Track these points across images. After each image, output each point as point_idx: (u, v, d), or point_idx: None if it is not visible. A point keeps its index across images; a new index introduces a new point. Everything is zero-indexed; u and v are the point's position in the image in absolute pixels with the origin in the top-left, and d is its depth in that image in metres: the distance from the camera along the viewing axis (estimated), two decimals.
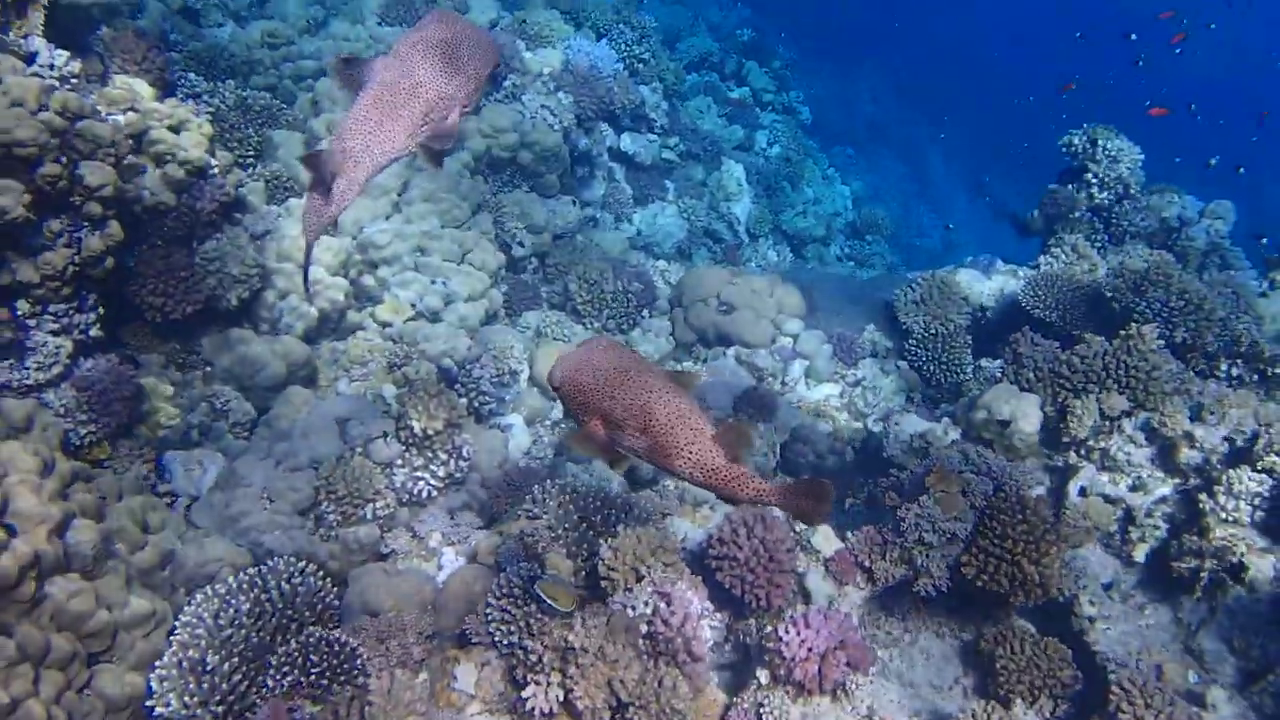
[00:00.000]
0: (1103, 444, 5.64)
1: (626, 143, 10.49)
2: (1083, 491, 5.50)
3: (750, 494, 2.93)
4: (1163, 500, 5.33)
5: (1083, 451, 5.71)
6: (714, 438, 2.93)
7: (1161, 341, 6.00)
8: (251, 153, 7.34)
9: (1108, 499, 5.45)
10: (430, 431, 5.83)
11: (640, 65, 10.95)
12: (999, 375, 6.45)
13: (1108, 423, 5.70)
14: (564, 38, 9.82)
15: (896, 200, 20.09)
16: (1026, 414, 5.95)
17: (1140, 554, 5.28)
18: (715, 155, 11.67)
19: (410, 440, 5.84)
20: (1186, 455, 5.36)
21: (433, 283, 7.45)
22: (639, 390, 3.01)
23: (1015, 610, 4.74)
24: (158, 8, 8.47)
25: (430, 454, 5.84)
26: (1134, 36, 14.18)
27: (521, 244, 8.42)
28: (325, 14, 9.68)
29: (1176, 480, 5.39)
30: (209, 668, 4.08)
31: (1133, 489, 5.44)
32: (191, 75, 7.04)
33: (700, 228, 10.88)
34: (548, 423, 7.38)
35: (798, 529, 4.83)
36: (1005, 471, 5.26)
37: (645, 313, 8.57)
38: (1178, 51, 13.86)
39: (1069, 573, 5.06)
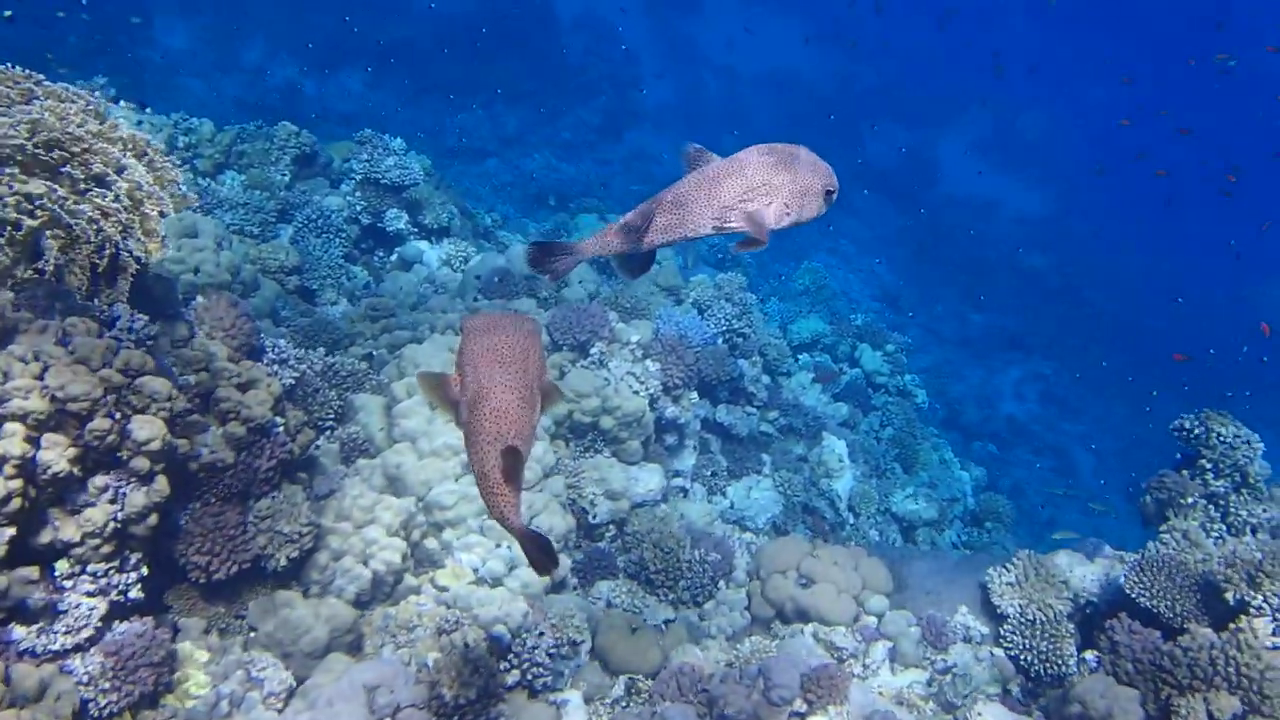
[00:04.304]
0: None
1: (722, 414, 10.40)
2: None
3: (499, 515, 3.24)
4: None
5: None
6: (503, 452, 3.17)
7: (1278, 639, 5.21)
8: (331, 415, 7.53)
9: None
10: (462, 701, 5.42)
11: (739, 339, 11.05)
12: (1096, 666, 5.68)
13: None
14: (659, 311, 10.05)
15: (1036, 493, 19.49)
16: (1125, 710, 5.16)
17: None
18: (817, 431, 11.44)
19: (440, 710, 5.43)
20: None
21: (497, 546, 7.24)
22: (493, 374, 3.31)
23: None
24: (273, 288, 9.16)
25: None
26: None
27: (599, 510, 8.21)
28: (432, 290, 10.28)
29: None
30: None
31: None
32: (281, 342, 7.40)
33: (798, 503, 10.47)
34: (608, 701, 6.82)
35: None
36: None
37: (722, 584, 8.08)
38: None
39: None
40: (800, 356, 13.58)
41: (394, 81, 25.52)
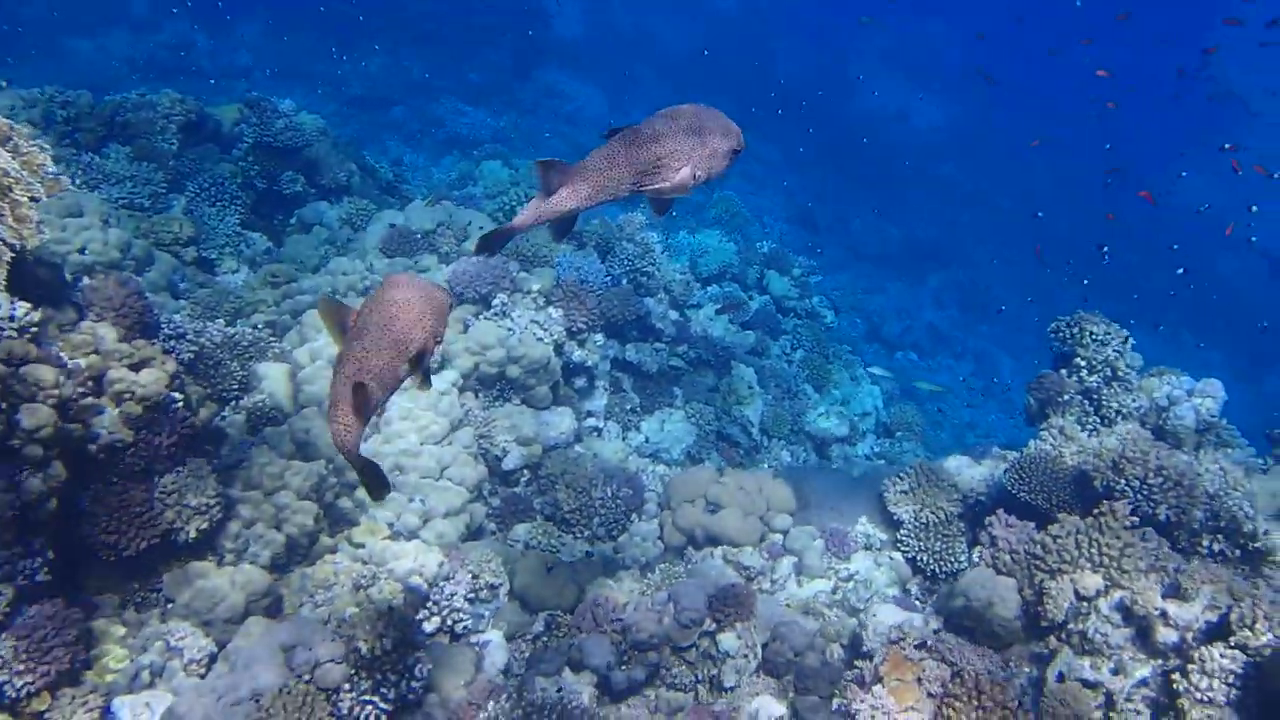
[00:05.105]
0: (1080, 626, 5.17)
1: (631, 353, 10.62)
2: (1061, 677, 5.02)
3: (339, 440, 3.71)
4: (1143, 683, 4.81)
5: (1063, 636, 5.25)
6: (353, 386, 3.64)
7: (1137, 519, 5.63)
8: (236, 386, 7.60)
9: (1087, 684, 4.94)
10: (379, 651, 5.66)
11: (644, 278, 11.22)
12: (977, 560, 6.08)
13: (1085, 604, 5.24)
14: (559, 258, 10.18)
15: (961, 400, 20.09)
16: (1004, 598, 5.57)
17: None
18: (726, 361, 11.72)
19: (359, 663, 5.66)
20: (1163, 635, 4.87)
21: (410, 501, 7.44)
22: (379, 321, 3.77)
23: None
24: (168, 261, 9.09)
25: (379, 676, 5.65)
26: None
27: (511, 456, 8.42)
28: (334, 253, 10.28)
29: (1157, 661, 4.87)
30: None
31: (1114, 672, 4.93)
32: (176, 317, 7.42)
33: (711, 432, 10.79)
34: (529, 637, 7.11)
35: None
36: (964, 655, 4.84)
37: (635, 517, 8.39)
38: None
39: None
40: (709, 288, 13.80)
41: (292, 30, 24.82)
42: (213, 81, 21.21)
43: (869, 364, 15.07)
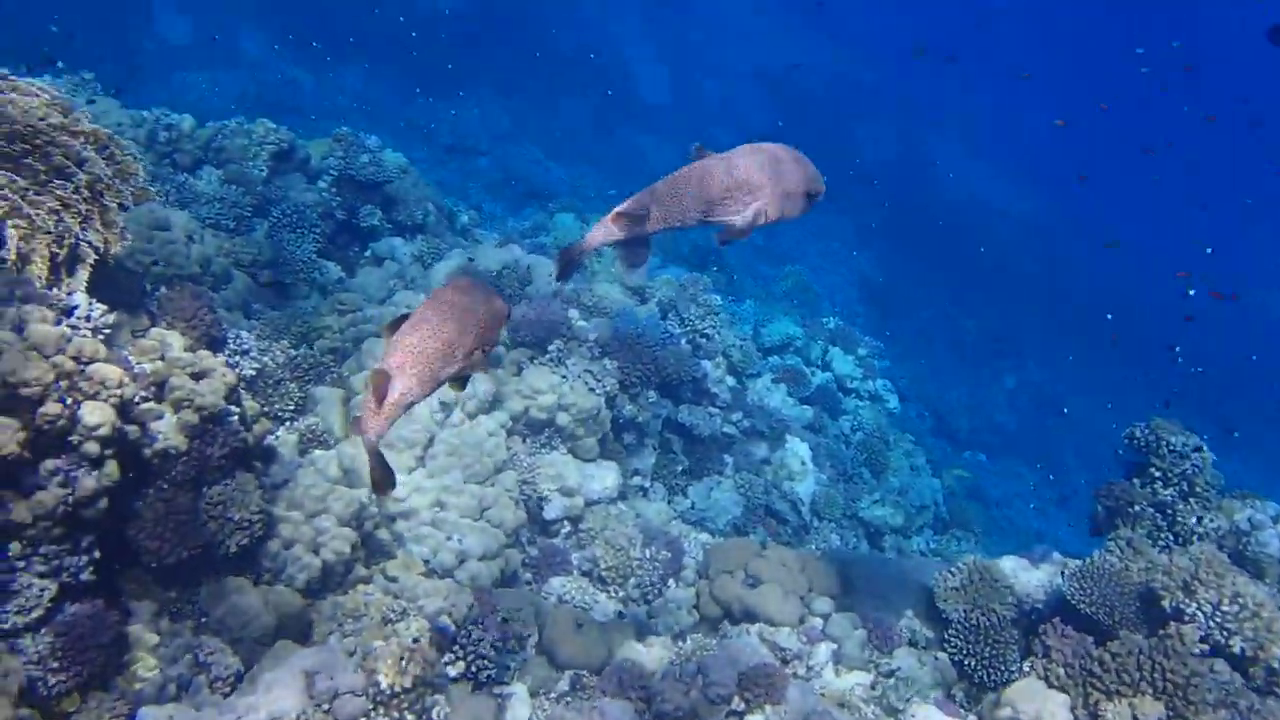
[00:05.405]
0: None
1: (684, 414, 10.57)
2: None
3: (360, 424, 3.80)
4: None
5: None
6: (378, 371, 3.75)
7: (1207, 647, 5.37)
8: (292, 407, 7.71)
9: None
10: (399, 689, 5.60)
11: (703, 340, 11.23)
12: (1028, 670, 5.86)
13: None
14: (619, 309, 10.23)
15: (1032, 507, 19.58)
16: (1054, 714, 5.34)
17: None
18: (780, 434, 11.60)
19: (377, 697, 5.61)
20: None
21: (448, 539, 7.43)
22: (432, 318, 3.89)
23: None
24: (244, 281, 9.33)
25: (395, 714, 5.59)
26: None
27: (552, 506, 8.39)
28: (401, 287, 10.46)
29: None
30: None
31: None
32: (244, 334, 7.58)
33: (759, 505, 10.63)
34: (553, 694, 7.00)
35: None
36: None
37: (672, 583, 8.26)
38: None
39: None
40: (770, 359, 13.75)
41: (392, 77, 25.70)
42: (313, 118, 22.00)
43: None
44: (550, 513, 8.37)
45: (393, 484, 3.89)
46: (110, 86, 10.88)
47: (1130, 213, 30.50)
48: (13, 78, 5.90)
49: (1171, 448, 8.12)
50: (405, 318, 4.03)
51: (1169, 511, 8.02)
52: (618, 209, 4.25)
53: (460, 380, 4.07)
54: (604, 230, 4.23)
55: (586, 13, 31.90)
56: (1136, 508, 8.07)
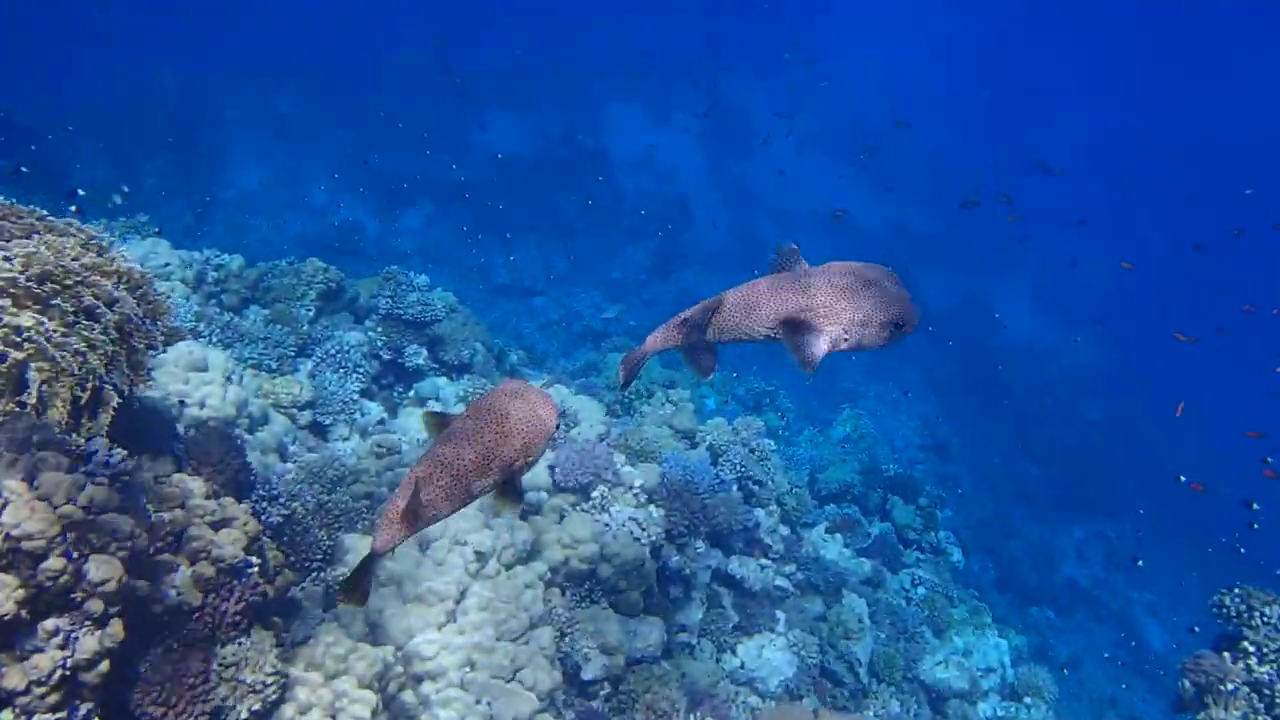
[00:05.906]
0: None
1: (735, 566, 10.03)
2: None
3: (376, 538, 3.62)
4: None
5: None
6: (403, 482, 3.62)
7: None
8: (320, 556, 7.37)
9: None
10: None
11: (755, 487, 10.75)
12: None
13: None
14: (667, 453, 9.84)
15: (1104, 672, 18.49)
16: None
17: None
18: (837, 589, 10.95)
19: None
20: None
21: (477, 703, 6.92)
22: (473, 428, 3.66)
23: None
24: (282, 423, 9.16)
25: None
26: None
27: (592, 666, 7.84)
28: None
29: None
30: None
31: None
32: (274, 478, 7.33)
33: (813, 666, 9.92)
34: None
35: None
36: None
37: None
38: None
39: None
40: (827, 507, 13.16)
41: (452, 220, 26.35)
42: (373, 259, 22.53)
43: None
44: (589, 673, 7.82)
45: (362, 601, 3.72)
46: (173, 227, 11.12)
47: (1204, 367, 29.52)
48: (50, 219, 5.89)
49: (1266, 619, 7.44)
50: (444, 416, 3.84)
51: (1266, 692, 7.26)
52: (682, 315, 4.08)
53: (510, 492, 3.76)
54: (664, 335, 4.11)
55: (660, 166, 32.77)
56: (1230, 686, 7.32)
